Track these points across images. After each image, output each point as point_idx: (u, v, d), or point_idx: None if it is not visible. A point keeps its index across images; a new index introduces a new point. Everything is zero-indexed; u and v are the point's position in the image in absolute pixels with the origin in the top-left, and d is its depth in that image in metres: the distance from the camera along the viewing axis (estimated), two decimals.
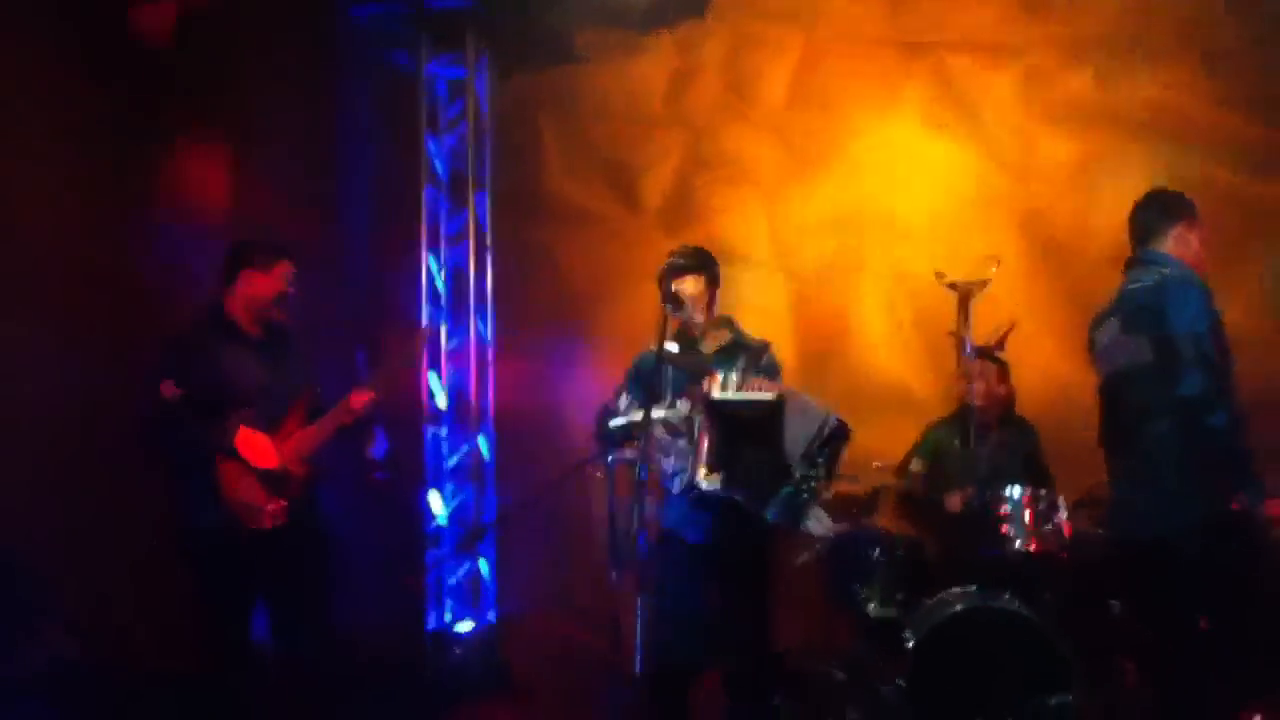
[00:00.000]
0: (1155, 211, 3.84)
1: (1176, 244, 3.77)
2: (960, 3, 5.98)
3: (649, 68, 6.41)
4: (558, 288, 6.42)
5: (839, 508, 4.97)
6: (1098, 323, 3.84)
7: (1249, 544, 3.57)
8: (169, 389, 3.88)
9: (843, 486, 4.94)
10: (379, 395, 4.19)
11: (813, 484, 3.82)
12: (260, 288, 4.12)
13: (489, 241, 6.48)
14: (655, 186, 6.37)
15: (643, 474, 3.81)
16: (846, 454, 3.94)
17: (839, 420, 3.84)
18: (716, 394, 3.83)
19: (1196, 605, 3.58)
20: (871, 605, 4.65)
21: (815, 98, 6.18)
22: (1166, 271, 3.65)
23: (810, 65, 6.20)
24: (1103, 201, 5.63)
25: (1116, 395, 3.72)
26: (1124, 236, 5.41)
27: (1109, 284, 5.35)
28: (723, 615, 4.00)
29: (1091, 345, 3.88)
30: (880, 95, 6.09)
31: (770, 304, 5.15)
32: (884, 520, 5.06)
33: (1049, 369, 5.52)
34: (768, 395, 3.81)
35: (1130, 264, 3.84)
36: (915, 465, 5.14)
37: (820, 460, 3.81)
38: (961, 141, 5.99)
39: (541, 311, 6.41)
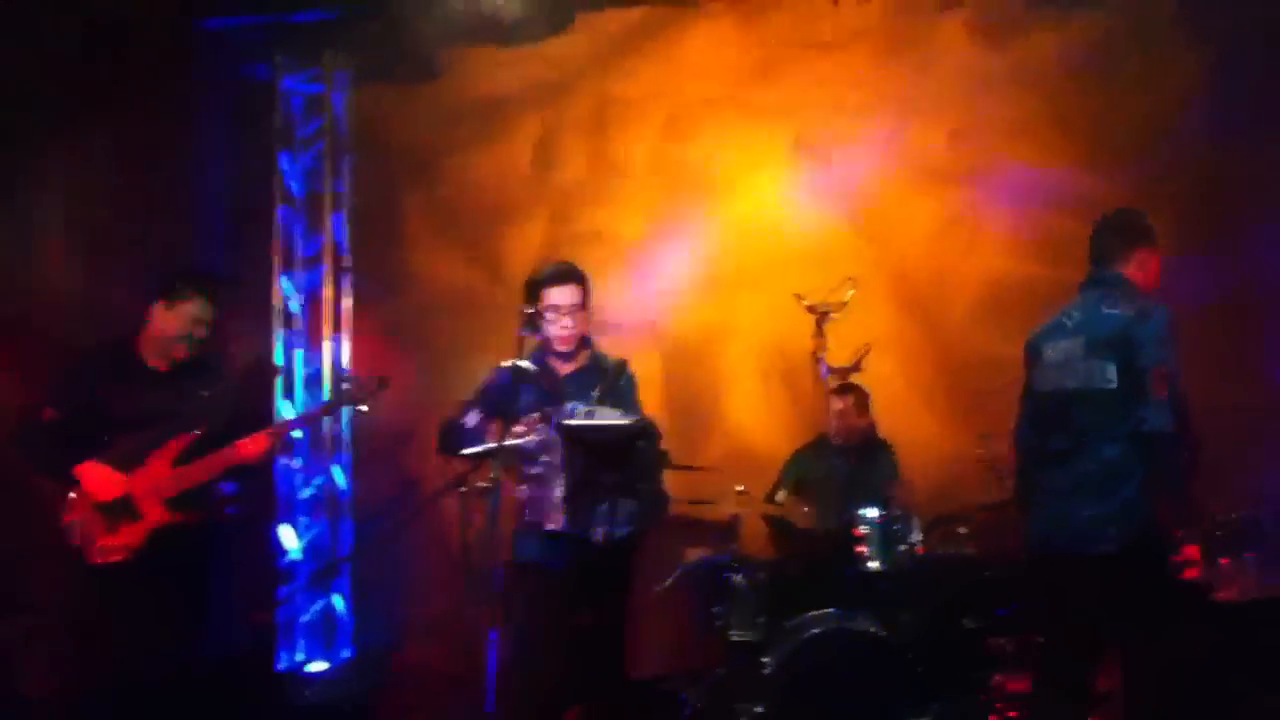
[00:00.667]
0: (1118, 233, 3.82)
1: (1137, 267, 3.76)
2: (821, 67, 6.04)
3: (513, 109, 6.29)
4: (420, 312, 6.25)
5: (701, 534, 4.97)
6: (1047, 335, 3.82)
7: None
8: (48, 412, 3.99)
9: (704, 511, 4.95)
10: (275, 443, 4.21)
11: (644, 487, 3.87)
12: (162, 325, 4.06)
13: (347, 264, 6.30)
14: (517, 257, 6.12)
15: (495, 504, 3.73)
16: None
17: (645, 422, 3.85)
18: (569, 421, 3.76)
19: (1119, 622, 3.61)
20: (732, 629, 4.62)
21: (680, 160, 6.17)
22: (1143, 304, 3.64)
23: (675, 128, 6.18)
24: (961, 262, 5.82)
25: (1068, 413, 3.69)
26: (983, 293, 5.72)
27: (971, 339, 5.68)
28: (583, 645, 3.91)
29: (1036, 355, 3.84)
30: (744, 159, 6.09)
31: (641, 371, 5.05)
32: (746, 544, 5.04)
33: (914, 419, 5.62)
34: (623, 422, 3.77)
35: (1090, 284, 3.81)
36: (780, 497, 5.16)
37: (641, 462, 3.81)
38: (826, 203, 6.00)
39: (404, 336, 6.23)
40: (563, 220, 6.22)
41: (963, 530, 4.77)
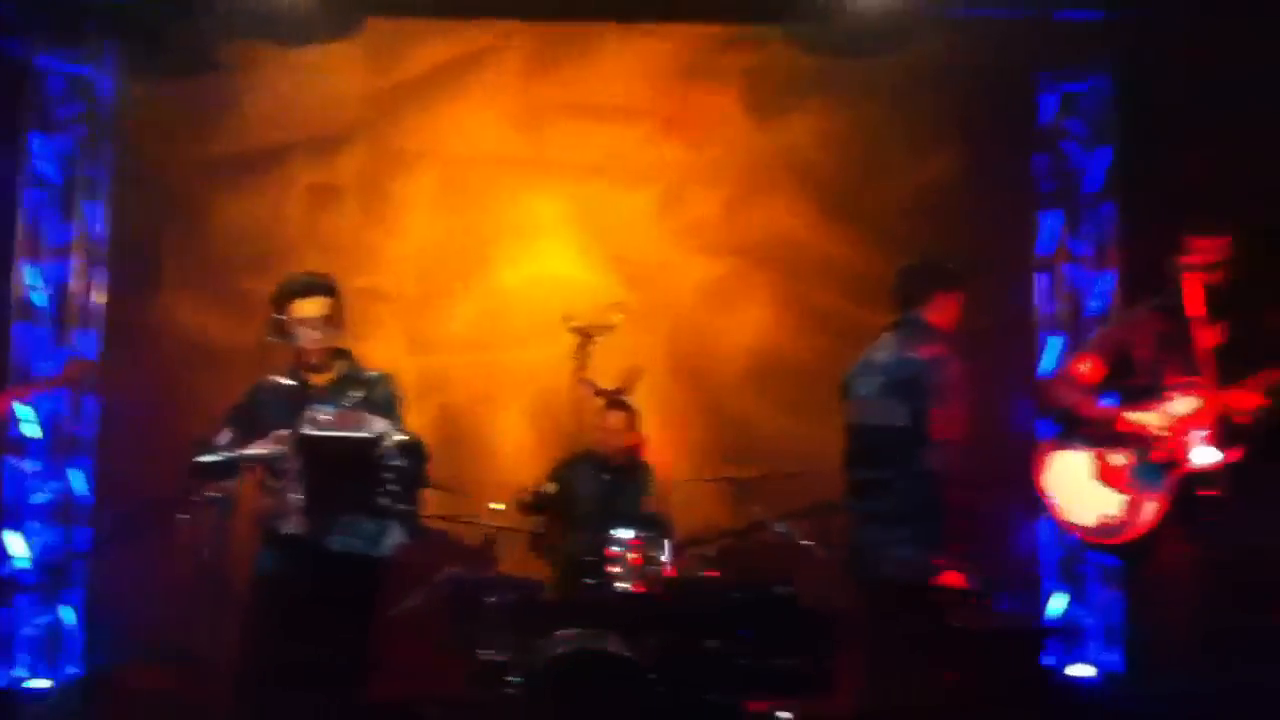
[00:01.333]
0: (919, 278, 4.06)
1: (936, 310, 4.00)
2: (600, 124, 6.15)
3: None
4: (175, 320, 5.95)
5: (459, 553, 4.90)
6: (858, 373, 4.03)
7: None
8: None
9: (459, 528, 4.88)
10: None
11: (389, 501, 3.71)
12: None
13: (103, 256, 5.93)
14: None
15: (224, 515, 3.58)
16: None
17: (409, 435, 3.77)
18: (306, 430, 3.65)
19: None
20: (481, 648, 4.57)
21: (455, 213, 6.16)
22: (937, 352, 3.89)
23: (450, 181, 6.16)
24: (731, 323, 6.04)
25: (872, 449, 3.90)
26: (752, 357, 5.92)
27: (742, 397, 5.89)
28: (322, 666, 3.75)
29: (847, 392, 4.06)
30: (520, 214, 6.13)
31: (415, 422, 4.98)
32: (503, 564, 5.00)
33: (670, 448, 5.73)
34: (361, 431, 3.67)
35: (894, 326, 4.04)
36: (549, 487, 5.08)
37: (389, 475, 3.69)
38: (601, 261, 6.11)
39: (163, 335, 5.91)
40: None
41: (710, 553, 4.86)
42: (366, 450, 3.70)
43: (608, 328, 4.80)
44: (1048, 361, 5.86)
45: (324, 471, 3.69)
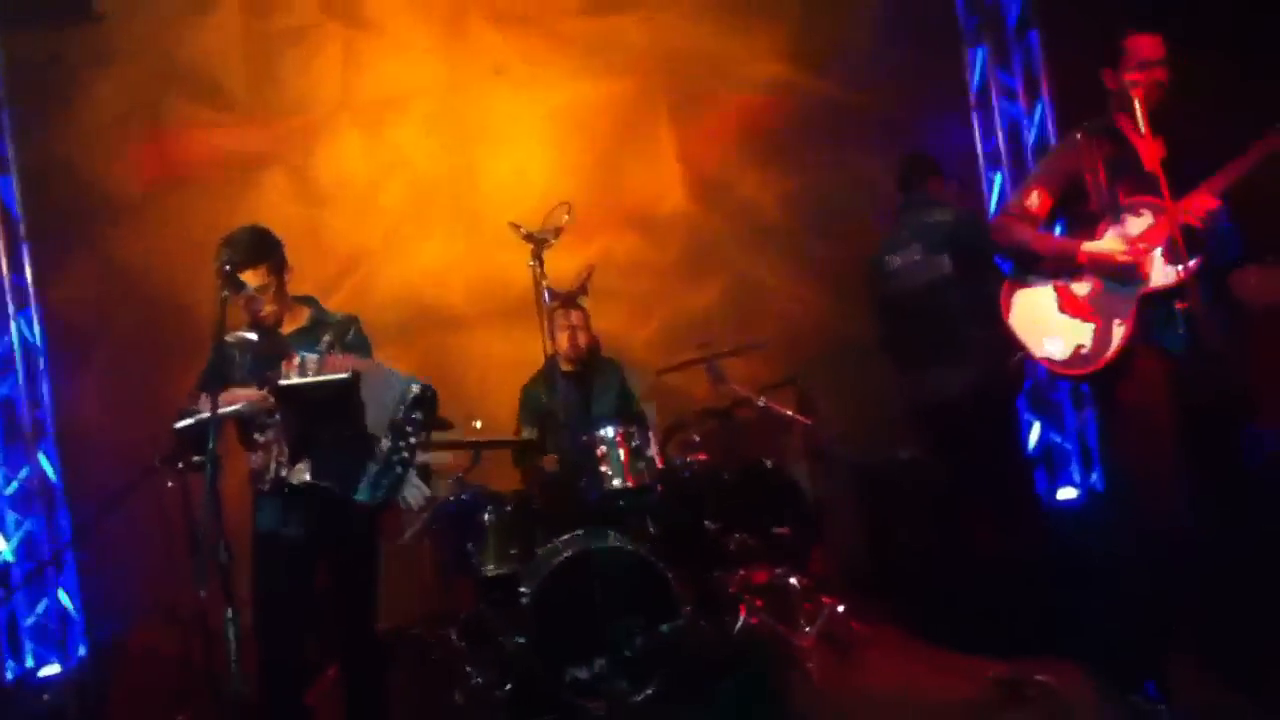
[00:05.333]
0: (920, 166, 5.05)
1: (935, 189, 5.01)
2: None
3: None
4: (114, 280, 5.76)
5: (443, 473, 4.89)
6: (889, 248, 4.92)
7: None
8: None
9: (446, 453, 4.87)
10: None
11: (404, 454, 3.70)
12: None
13: (21, 232, 5.71)
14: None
15: (212, 476, 3.52)
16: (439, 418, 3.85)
17: (423, 385, 3.74)
18: (284, 380, 3.59)
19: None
20: (486, 565, 4.62)
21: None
22: (954, 211, 4.89)
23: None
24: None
25: (930, 299, 4.76)
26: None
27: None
28: (330, 609, 3.84)
29: (882, 267, 4.92)
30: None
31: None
32: (490, 479, 5.02)
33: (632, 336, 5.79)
34: (340, 375, 3.62)
35: (905, 206, 5.00)
36: (526, 432, 5.13)
37: (410, 429, 3.69)
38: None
39: (102, 306, 5.74)
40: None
41: (695, 438, 4.92)
42: (341, 392, 3.65)
43: (557, 230, 4.72)
44: (993, 199, 5.92)
45: (307, 420, 3.65)
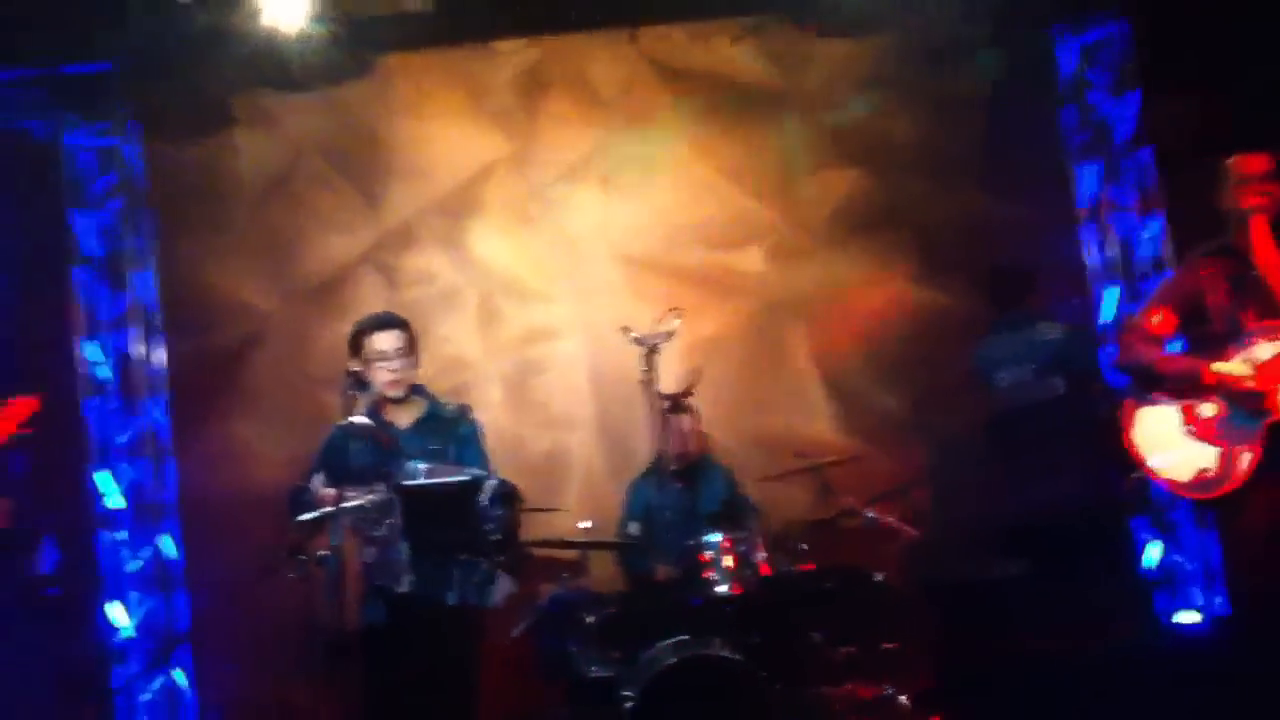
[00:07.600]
0: (1020, 280, 5.44)
1: (1036, 304, 5.46)
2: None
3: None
4: (241, 371, 6.02)
5: (546, 572, 4.95)
6: (996, 364, 5.28)
7: None
8: None
9: (552, 551, 4.93)
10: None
11: (487, 550, 3.77)
12: None
13: (158, 323, 6.02)
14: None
15: (334, 571, 3.62)
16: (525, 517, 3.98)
17: (501, 480, 3.82)
18: (408, 481, 3.70)
19: None
20: (588, 666, 4.62)
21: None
22: (1064, 328, 5.29)
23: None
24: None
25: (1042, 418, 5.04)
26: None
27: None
28: (436, 704, 3.84)
29: (990, 383, 5.28)
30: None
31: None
32: (594, 580, 5.04)
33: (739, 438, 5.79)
34: (461, 476, 3.73)
35: (1011, 320, 5.41)
36: (633, 528, 5.18)
37: (491, 525, 3.75)
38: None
39: (227, 395, 5.99)
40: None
41: (803, 546, 4.89)
42: (465, 495, 3.75)
43: (668, 335, 4.79)
44: (1106, 313, 5.84)
45: (425, 521, 3.75)
